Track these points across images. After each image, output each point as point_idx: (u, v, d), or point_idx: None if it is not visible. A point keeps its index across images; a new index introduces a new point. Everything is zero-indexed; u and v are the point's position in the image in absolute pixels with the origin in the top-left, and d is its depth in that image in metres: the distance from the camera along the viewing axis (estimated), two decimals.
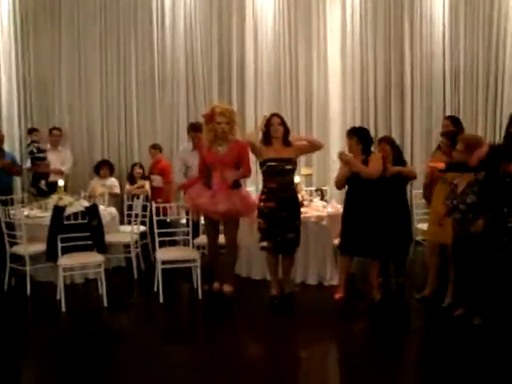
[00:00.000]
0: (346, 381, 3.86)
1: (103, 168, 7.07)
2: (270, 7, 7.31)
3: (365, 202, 4.83)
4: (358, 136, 4.93)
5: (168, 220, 5.74)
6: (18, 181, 7.22)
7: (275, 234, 4.86)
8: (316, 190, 6.64)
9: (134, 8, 7.39)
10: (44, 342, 4.43)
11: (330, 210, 5.78)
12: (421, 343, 4.43)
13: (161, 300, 5.13)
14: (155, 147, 6.96)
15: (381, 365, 3.85)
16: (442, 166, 4.41)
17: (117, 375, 3.79)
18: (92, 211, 5.39)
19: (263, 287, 5.37)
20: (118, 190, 6.97)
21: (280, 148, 4.86)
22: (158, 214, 5.36)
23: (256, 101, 7.32)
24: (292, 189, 4.96)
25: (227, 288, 5.13)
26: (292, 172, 4.91)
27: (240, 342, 4.56)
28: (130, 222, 6.40)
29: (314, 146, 5.08)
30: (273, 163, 4.81)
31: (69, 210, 5.40)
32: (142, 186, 6.91)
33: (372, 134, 6.85)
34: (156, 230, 5.29)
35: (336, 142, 7.07)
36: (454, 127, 5.18)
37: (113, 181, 7.05)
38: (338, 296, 5.08)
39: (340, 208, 5.84)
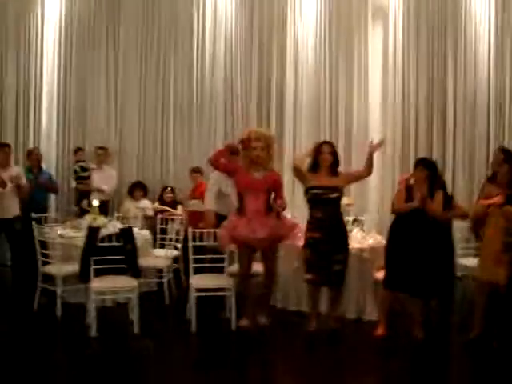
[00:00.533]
0: None
1: (137, 190, 7.05)
2: (312, 33, 7.26)
3: (414, 235, 4.61)
4: (431, 171, 4.73)
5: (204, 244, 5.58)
6: (52, 199, 7.22)
7: (321, 265, 4.67)
8: (354, 221, 6.43)
9: (175, 31, 7.47)
10: (72, 366, 4.31)
11: (370, 241, 5.58)
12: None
13: (193, 328, 4.97)
14: (196, 171, 6.87)
15: None
16: (500, 200, 4.18)
17: None
18: (127, 234, 5.30)
19: (300, 319, 5.18)
20: (151, 213, 6.89)
21: (327, 176, 4.72)
22: (194, 240, 5.23)
23: (295, 130, 7.24)
24: (339, 218, 4.80)
25: (263, 320, 4.92)
26: (338, 201, 4.74)
27: (271, 378, 4.37)
28: (162, 246, 6.32)
29: (363, 172, 4.91)
30: (317, 191, 4.66)
31: (103, 232, 5.31)
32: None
33: (412, 163, 6.73)
34: (191, 256, 5.16)
35: (375, 172, 6.88)
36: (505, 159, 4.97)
37: (146, 203, 7.00)
38: (379, 333, 4.85)
39: (381, 239, 5.68)
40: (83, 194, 7.03)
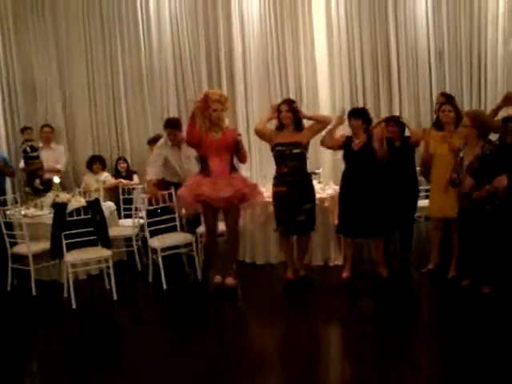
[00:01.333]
0: (360, 356, 3.85)
1: (95, 163, 7.02)
2: None
3: (361, 182, 4.93)
4: (364, 117, 5.00)
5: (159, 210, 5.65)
6: (8, 182, 7.07)
7: (288, 217, 4.93)
8: (312, 174, 6.69)
9: (118, 4, 7.32)
10: (60, 339, 4.38)
11: (329, 191, 5.88)
12: (431, 315, 4.59)
13: (164, 287, 5.20)
14: (152, 141, 6.80)
15: (394, 338, 3.97)
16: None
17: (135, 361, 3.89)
18: (94, 206, 5.35)
19: (268, 272, 5.52)
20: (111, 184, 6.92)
21: (291, 133, 4.93)
22: (150, 204, 5.46)
23: (246, 94, 7.34)
24: (304, 172, 5.03)
25: (230, 281, 5.08)
26: (301, 156, 4.96)
27: (248, 325, 4.66)
28: (127, 216, 6.40)
29: (322, 123, 5.08)
30: (281, 147, 4.88)
31: (70, 207, 5.34)
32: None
33: None
34: (146, 221, 5.42)
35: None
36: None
37: (106, 175, 7.00)
38: (345, 275, 5.21)
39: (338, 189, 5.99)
40: (32, 174, 6.90)
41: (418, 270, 5.30)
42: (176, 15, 7.34)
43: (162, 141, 5.95)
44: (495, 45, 6.90)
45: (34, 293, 5.31)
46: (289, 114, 4.93)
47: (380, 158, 4.86)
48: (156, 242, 5.35)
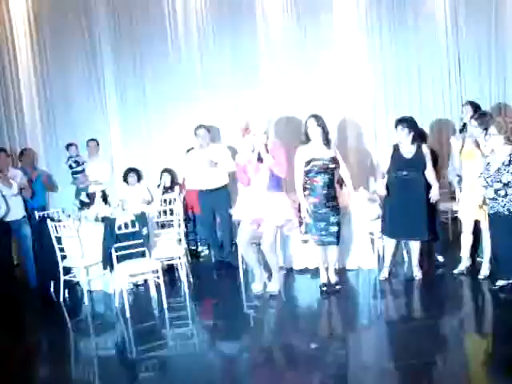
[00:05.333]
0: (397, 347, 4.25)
1: (131, 176, 7.26)
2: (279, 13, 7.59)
3: (405, 189, 5.23)
4: (410, 126, 5.30)
5: None
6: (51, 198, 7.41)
7: (320, 227, 5.23)
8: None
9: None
10: (117, 346, 4.75)
11: (362, 197, 6.15)
12: (469, 313, 4.88)
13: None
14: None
15: (429, 332, 4.30)
16: None
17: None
18: (141, 219, 5.64)
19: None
20: (149, 197, 7.20)
21: (321, 148, 5.24)
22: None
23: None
24: (333, 186, 5.34)
25: (273, 287, 5.38)
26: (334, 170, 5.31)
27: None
28: (163, 227, 6.66)
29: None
30: (317, 162, 5.19)
31: (119, 220, 5.63)
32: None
33: None
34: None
35: (353, 135, 7.48)
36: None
37: (141, 187, 7.25)
38: (382, 276, 5.53)
39: (368, 194, 6.27)
40: (80, 188, 7.26)
41: (450, 271, 5.57)
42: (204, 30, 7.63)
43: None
44: None
45: (86, 302, 5.63)
46: (318, 129, 5.20)
47: None
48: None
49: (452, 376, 3.62)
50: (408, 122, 5.34)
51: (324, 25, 7.44)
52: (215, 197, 6.36)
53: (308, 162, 5.21)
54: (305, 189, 5.29)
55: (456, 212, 5.82)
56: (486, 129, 4.89)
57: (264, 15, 7.52)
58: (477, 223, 5.29)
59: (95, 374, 4.24)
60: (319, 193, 5.20)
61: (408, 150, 5.29)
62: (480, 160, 5.02)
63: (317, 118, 5.28)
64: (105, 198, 6.73)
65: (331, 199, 5.25)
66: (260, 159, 5.15)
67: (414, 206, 5.22)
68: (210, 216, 6.55)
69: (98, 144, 7.42)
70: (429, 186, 5.33)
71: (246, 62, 7.48)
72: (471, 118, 5.29)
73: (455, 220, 6.14)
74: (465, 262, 5.48)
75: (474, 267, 5.42)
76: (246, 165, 5.24)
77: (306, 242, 5.51)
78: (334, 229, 5.25)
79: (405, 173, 5.23)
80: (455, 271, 5.48)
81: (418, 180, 5.26)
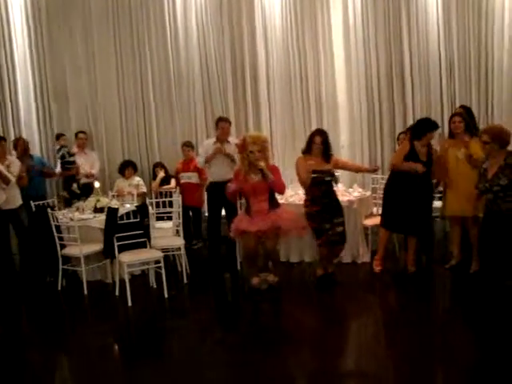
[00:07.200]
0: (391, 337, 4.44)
1: (127, 168, 7.33)
2: (278, 12, 7.72)
3: (407, 187, 5.46)
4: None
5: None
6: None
7: (326, 229, 5.42)
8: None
9: (147, 11, 7.68)
10: (117, 333, 4.80)
11: (356, 194, 6.36)
12: (458, 305, 5.08)
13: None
14: (188, 145, 7.17)
15: (422, 327, 4.48)
16: None
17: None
18: (143, 210, 5.72)
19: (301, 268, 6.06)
20: (144, 189, 7.27)
21: (321, 161, 5.46)
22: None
23: (269, 97, 7.77)
24: (333, 193, 5.60)
25: (272, 278, 5.52)
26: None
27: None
28: (159, 219, 6.74)
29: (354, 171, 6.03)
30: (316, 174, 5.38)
31: (122, 210, 5.70)
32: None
33: (378, 121, 7.50)
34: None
35: (345, 131, 7.66)
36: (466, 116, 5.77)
37: (138, 180, 7.32)
38: (377, 269, 5.74)
39: (364, 191, 6.49)
40: (69, 179, 7.25)
41: (441, 265, 5.80)
42: (203, 27, 7.74)
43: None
44: (501, 57, 7.39)
45: (85, 292, 5.65)
46: (321, 146, 5.41)
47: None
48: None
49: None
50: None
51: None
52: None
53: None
54: (305, 200, 5.51)
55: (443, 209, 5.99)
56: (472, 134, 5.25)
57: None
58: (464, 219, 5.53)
59: (95, 364, 4.21)
60: (319, 202, 5.42)
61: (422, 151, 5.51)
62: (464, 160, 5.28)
63: (322, 134, 5.49)
64: (89, 190, 6.74)
65: (333, 205, 5.48)
66: (263, 176, 5.26)
67: (417, 203, 5.47)
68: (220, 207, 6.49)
69: (87, 137, 7.44)
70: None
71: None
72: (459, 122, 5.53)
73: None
74: (456, 257, 5.73)
75: (465, 262, 5.64)
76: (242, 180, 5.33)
77: (320, 245, 5.64)
78: (340, 229, 5.48)
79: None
80: (446, 266, 5.72)
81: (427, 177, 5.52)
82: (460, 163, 5.38)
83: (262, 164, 5.22)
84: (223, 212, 6.33)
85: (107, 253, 5.62)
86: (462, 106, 6.24)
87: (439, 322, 4.66)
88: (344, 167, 5.87)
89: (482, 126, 6.99)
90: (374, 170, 6.02)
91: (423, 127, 5.50)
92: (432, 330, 4.43)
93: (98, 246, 5.77)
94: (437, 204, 6.24)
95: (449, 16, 7.49)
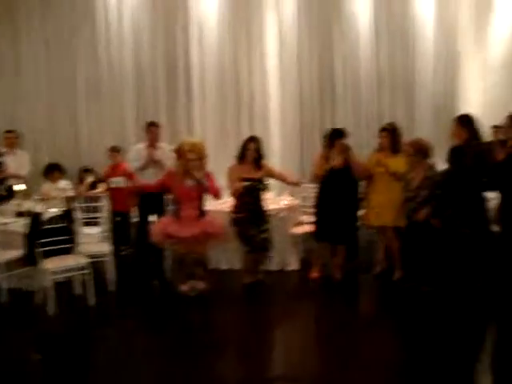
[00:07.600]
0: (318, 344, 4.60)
1: (54, 171, 7.05)
2: (213, 12, 7.68)
3: (334, 195, 5.63)
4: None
5: None
6: None
7: (250, 236, 5.54)
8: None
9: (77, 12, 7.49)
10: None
11: (285, 202, 6.46)
12: (381, 308, 5.33)
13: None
14: (115, 150, 6.92)
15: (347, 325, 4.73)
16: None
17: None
18: (69, 215, 5.55)
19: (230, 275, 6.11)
20: (72, 193, 7.02)
21: (252, 169, 5.55)
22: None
23: (202, 103, 7.71)
24: (260, 201, 5.67)
25: (201, 285, 5.53)
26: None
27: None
28: (87, 224, 6.55)
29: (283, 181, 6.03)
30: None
31: (46, 215, 5.49)
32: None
33: (309, 129, 7.60)
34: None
35: (277, 140, 7.76)
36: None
37: (66, 184, 7.06)
38: (313, 276, 5.90)
39: (293, 200, 6.60)
40: None
41: (366, 273, 6.02)
42: (137, 26, 7.59)
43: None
44: (426, 73, 7.75)
45: (2, 300, 5.38)
46: (254, 153, 5.53)
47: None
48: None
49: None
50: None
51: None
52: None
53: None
54: (234, 207, 5.58)
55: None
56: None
57: None
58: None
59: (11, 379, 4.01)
60: (247, 209, 5.50)
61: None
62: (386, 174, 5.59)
63: (255, 141, 5.59)
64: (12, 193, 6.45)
65: (259, 212, 5.58)
66: (200, 184, 5.31)
67: (340, 212, 5.64)
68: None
69: (17, 136, 7.09)
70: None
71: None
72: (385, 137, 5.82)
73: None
74: (380, 264, 5.96)
75: (390, 270, 5.88)
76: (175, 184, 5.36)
77: (250, 251, 5.69)
78: (264, 236, 5.58)
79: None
80: (372, 273, 5.94)
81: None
82: (382, 175, 5.66)
83: (199, 174, 5.29)
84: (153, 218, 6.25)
85: (29, 259, 5.39)
86: (389, 124, 6.44)
87: (364, 325, 4.83)
88: (272, 176, 5.88)
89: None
90: (296, 184, 6.06)
91: (332, 136, 5.74)
92: (357, 333, 4.60)
93: (18, 252, 5.51)
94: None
95: (379, 32, 7.72)
